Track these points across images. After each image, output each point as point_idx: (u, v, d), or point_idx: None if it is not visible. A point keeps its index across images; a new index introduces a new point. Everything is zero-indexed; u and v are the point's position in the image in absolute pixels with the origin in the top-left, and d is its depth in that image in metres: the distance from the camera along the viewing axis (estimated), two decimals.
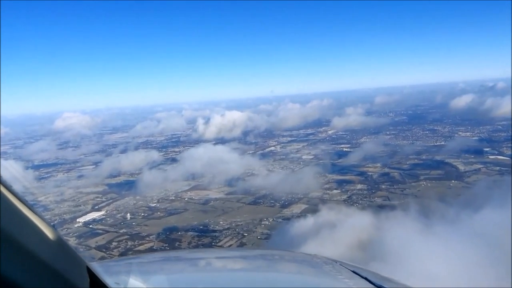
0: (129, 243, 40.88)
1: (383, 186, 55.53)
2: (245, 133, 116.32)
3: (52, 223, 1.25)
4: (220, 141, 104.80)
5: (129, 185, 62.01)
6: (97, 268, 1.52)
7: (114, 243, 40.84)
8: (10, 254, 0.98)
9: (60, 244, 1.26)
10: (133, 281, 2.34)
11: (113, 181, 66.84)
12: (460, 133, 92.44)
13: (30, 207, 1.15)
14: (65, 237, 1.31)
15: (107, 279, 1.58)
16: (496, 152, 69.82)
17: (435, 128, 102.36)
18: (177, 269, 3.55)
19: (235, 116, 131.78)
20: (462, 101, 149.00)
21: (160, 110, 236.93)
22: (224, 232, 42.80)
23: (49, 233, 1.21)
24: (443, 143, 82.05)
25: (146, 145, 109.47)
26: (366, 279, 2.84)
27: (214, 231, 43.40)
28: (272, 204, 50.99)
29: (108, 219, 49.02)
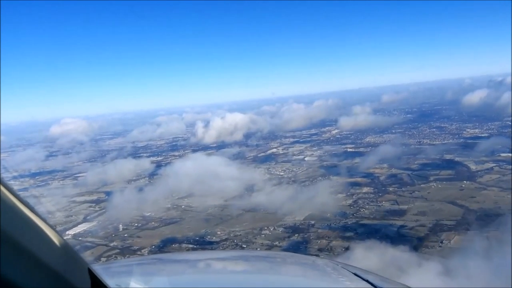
0: (119, 258, 38.03)
1: (390, 189, 52.45)
2: (247, 136, 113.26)
3: (53, 225, 1.25)
4: (220, 145, 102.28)
5: (124, 193, 59.21)
6: (99, 269, 1.53)
7: (103, 259, 37.95)
8: (12, 255, 0.99)
9: (61, 245, 1.27)
10: (134, 282, 2.33)
11: (108, 189, 63.95)
12: (468, 130, 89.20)
13: (32, 209, 1.16)
14: (67, 239, 1.30)
15: (108, 281, 1.59)
16: (508, 150, 66.39)
17: (442, 125, 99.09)
18: (178, 271, 3.47)
19: (237, 119, 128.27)
20: (476, 97, 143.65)
21: (162, 114, 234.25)
22: (221, 243, 39.86)
23: (50, 234, 1.22)
24: (451, 140, 79.02)
25: (146, 149, 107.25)
26: (367, 281, 2.82)
27: (211, 242, 40.48)
28: (273, 211, 48.01)
29: (99, 230, 46.29)
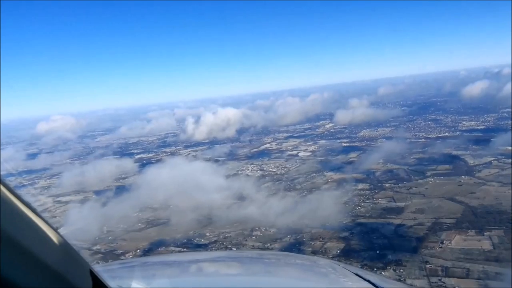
0: (101, 264, 35.81)
1: (387, 185, 50.53)
2: (240, 132, 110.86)
3: (54, 225, 1.26)
4: (212, 141, 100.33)
5: (111, 192, 57.05)
6: (100, 270, 1.54)
7: None
8: (13, 256, 0.99)
9: (63, 246, 1.27)
10: (135, 283, 2.35)
11: (95, 187, 61.67)
12: (464, 122, 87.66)
13: (33, 209, 1.16)
14: (68, 240, 1.32)
15: (110, 282, 1.60)
16: (506, 142, 64.53)
17: (438, 118, 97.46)
18: (179, 272, 3.41)
19: (230, 114, 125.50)
20: (474, 89, 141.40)
21: (154, 109, 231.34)
22: (210, 246, 37.66)
23: (52, 235, 1.22)
24: (447, 134, 77.39)
25: (137, 146, 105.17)
26: (369, 281, 2.82)
27: (199, 245, 38.30)
28: (265, 210, 45.81)
29: (83, 232, 43.93)
